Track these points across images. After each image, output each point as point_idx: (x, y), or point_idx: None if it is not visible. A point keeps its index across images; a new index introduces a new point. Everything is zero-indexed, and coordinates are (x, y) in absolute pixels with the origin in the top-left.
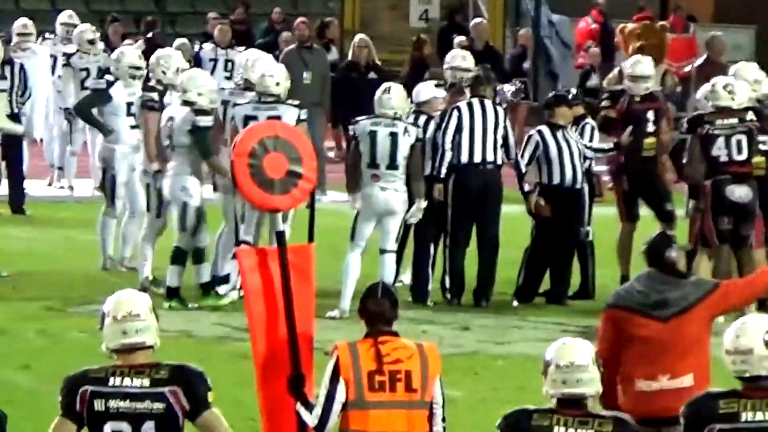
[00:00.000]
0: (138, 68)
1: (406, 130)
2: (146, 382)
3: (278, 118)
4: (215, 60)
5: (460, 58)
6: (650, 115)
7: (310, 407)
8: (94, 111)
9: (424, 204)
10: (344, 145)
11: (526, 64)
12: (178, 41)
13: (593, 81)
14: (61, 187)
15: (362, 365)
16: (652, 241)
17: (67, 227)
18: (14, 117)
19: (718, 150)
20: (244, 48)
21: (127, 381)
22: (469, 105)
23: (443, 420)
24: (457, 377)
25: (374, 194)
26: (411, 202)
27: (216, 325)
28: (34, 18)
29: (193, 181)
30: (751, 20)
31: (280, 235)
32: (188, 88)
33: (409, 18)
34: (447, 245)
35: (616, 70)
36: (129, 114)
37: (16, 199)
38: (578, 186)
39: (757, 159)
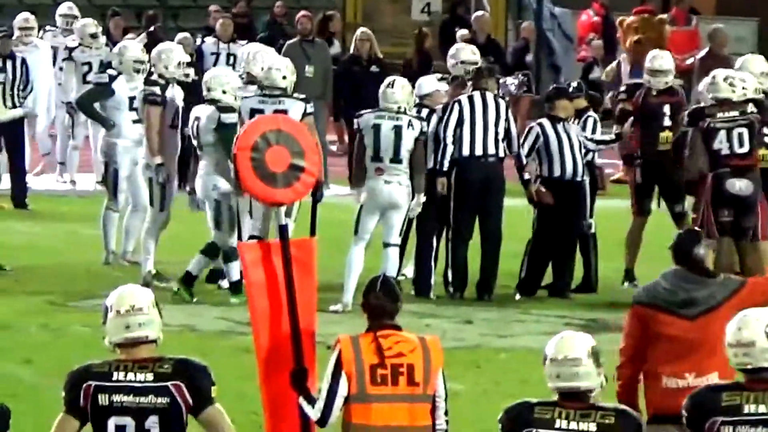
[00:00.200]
0: (141, 62)
1: (410, 124)
2: (150, 376)
3: (284, 111)
4: (217, 54)
5: (469, 52)
6: (666, 109)
7: (312, 401)
8: (97, 105)
9: (423, 198)
10: (346, 138)
11: (529, 57)
12: (180, 35)
13: (596, 74)
14: (64, 182)
15: (364, 359)
16: (680, 238)
17: (69, 221)
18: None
19: (720, 143)
20: (246, 42)
21: (130, 375)
22: (470, 98)
23: (446, 413)
24: (460, 370)
25: (378, 188)
26: (412, 196)
27: (219, 319)
28: (36, 12)
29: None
30: (753, 12)
31: (282, 229)
32: (212, 86)
33: (411, 11)
34: (449, 239)
35: (614, 63)
36: (131, 108)
37: (19, 193)
38: (579, 178)
39: (763, 151)
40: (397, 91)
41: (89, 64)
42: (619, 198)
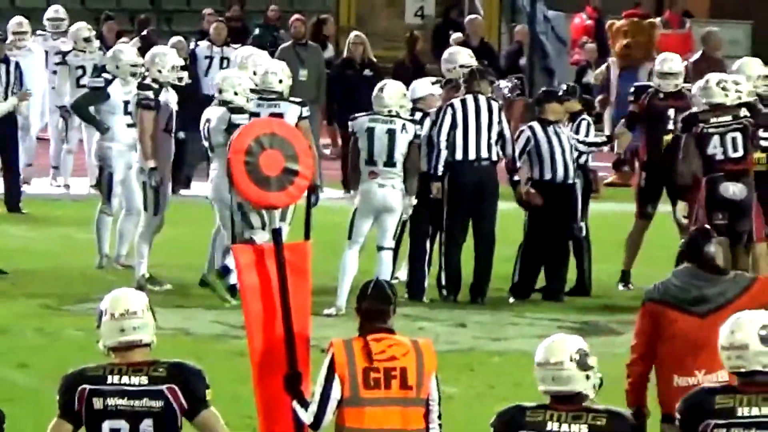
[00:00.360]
0: (137, 66)
1: (404, 127)
2: (144, 379)
3: (280, 115)
4: (210, 57)
5: (466, 56)
6: (671, 112)
7: (305, 404)
8: (91, 109)
9: (415, 200)
10: (339, 142)
11: (522, 61)
12: (174, 39)
13: (589, 77)
14: (58, 186)
15: (357, 362)
16: (691, 236)
17: (63, 225)
18: (8, 114)
19: (714, 148)
20: (239, 45)
21: (125, 379)
22: (463, 102)
23: (439, 417)
24: (453, 374)
25: (372, 191)
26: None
27: (213, 322)
28: (30, 16)
29: None
30: (746, 15)
31: (276, 233)
32: (224, 87)
33: (404, 15)
34: (443, 242)
35: (603, 67)
36: (126, 112)
37: (13, 197)
38: (570, 181)
39: (758, 155)
40: (386, 95)
41: (83, 68)
42: (613, 201)
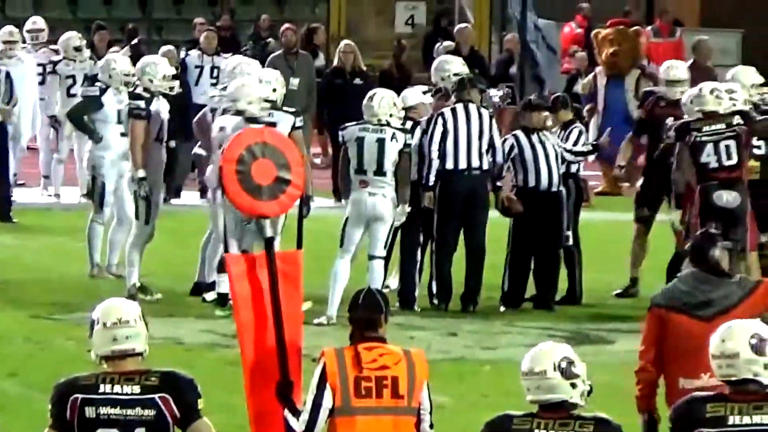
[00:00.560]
0: (130, 75)
1: (393, 136)
2: (136, 388)
3: (274, 124)
4: (201, 67)
5: (459, 64)
6: (670, 121)
7: (297, 413)
8: (85, 118)
9: (407, 209)
10: (330, 151)
11: (513, 69)
12: (164, 48)
13: (579, 86)
14: (48, 195)
15: (348, 371)
16: (696, 240)
17: (54, 235)
18: None
19: (707, 157)
20: (230, 54)
21: (117, 388)
22: (453, 111)
23: (431, 426)
24: (445, 383)
25: (362, 200)
26: (397, 206)
27: (204, 332)
28: (20, 26)
29: None
30: (737, 24)
31: (268, 242)
32: (238, 97)
33: (395, 23)
34: (434, 251)
35: (590, 76)
36: (119, 121)
37: (3, 206)
38: (554, 189)
39: (752, 163)
40: (375, 104)
41: (73, 77)
42: (604, 210)
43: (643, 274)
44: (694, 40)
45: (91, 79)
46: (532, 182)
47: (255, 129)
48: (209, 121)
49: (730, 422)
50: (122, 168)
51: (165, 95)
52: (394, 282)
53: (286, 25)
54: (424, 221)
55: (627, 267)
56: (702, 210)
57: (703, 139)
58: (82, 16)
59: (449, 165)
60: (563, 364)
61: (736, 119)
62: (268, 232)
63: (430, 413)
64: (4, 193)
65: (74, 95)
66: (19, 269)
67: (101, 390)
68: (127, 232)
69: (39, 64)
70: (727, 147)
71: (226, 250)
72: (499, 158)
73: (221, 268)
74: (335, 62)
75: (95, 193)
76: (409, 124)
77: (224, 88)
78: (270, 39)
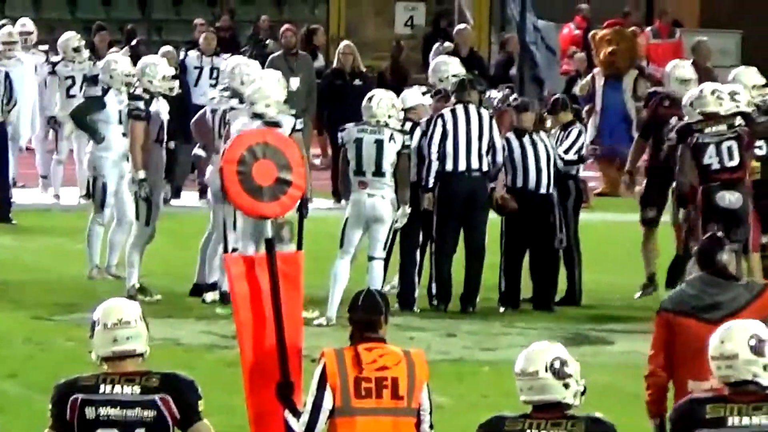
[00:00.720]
0: (131, 76)
1: (392, 137)
2: (137, 389)
3: (275, 125)
4: (200, 68)
5: (458, 65)
6: (673, 120)
7: (297, 414)
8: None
9: (408, 210)
10: (329, 152)
11: (513, 71)
12: (164, 49)
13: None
14: (48, 195)
15: (348, 372)
16: (703, 244)
17: (53, 236)
18: None
19: (710, 158)
20: (229, 55)
21: (117, 388)
22: (453, 112)
23: (430, 427)
24: (444, 383)
25: (362, 201)
26: (398, 208)
27: (203, 333)
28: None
29: None
30: (736, 25)
31: (269, 243)
32: (256, 100)
33: (394, 24)
34: (433, 252)
35: (588, 77)
36: (120, 122)
37: (2, 207)
38: (542, 190)
39: (753, 164)
40: (374, 105)
41: (72, 78)
42: (604, 211)
43: (641, 278)
44: (693, 40)
45: (90, 80)
46: (519, 183)
47: (257, 130)
48: (209, 122)
49: (730, 423)
50: (123, 169)
51: (165, 96)
52: (394, 284)
53: (286, 26)
54: (423, 222)
55: (627, 268)
56: (705, 211)
57: (705, 140)
58: (81, 17)
59: (449, 167)
60: (555, 365)
61: (738, 120)
62: (268, 233)
63: (430, 414)
64: (3, 194)
65: (73, 96)
66: (19, 270)
67: (101, 390)
68: (127, 233)
69: (50, 62)
70: (729, 148)
71: (225, 250)
72: (499, 159)
73: None
74: (335, 63)
75: (96, 193)
76: (408, 125)
77: (224, 89)
78: (269, 40)
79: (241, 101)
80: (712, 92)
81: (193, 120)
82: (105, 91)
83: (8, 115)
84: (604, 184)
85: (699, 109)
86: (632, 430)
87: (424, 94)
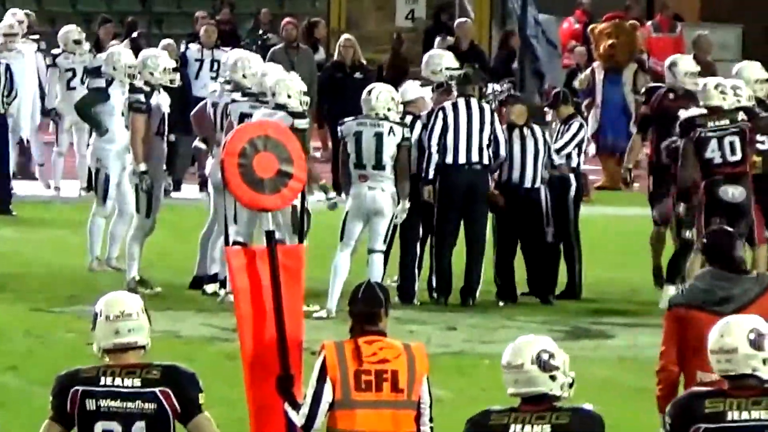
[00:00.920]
0: (133, 68)
1: (391, 130)
2: (137, 382)
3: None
4: (201, 60)
5: (451, 58)
6: (682, 112)
7: (297, 407)
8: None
9: (408, 204)
10: (330, 145)
11: (514, 64)
12: (164, 42)
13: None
14: (44, 185)
15: (348, 365)
16: (713, 238)
17: (53, 228)
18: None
19: (712, 152)
20: (229, 48)
21: (118, 381)
22: (454, 105)
23: (430, 420)
24: (444, 377)
25: (362, 194)
26: (398, 202)
27: (203, 325)
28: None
29: None
30: (737, 19)
31: (269, 236)
32: (278, 91)
33: (395, 18)
34: (433, 245)
35: (587, 71)
36: (123, 114)
37: (3, 199)
38: (528, 185)
39: (755, 158)
40: (374, 98)
41: (73, 70)
42: (604, 205)
43: (641, 272)
44: (694, 35)
45: (91, 72)
46: (505, 176)
47: (258, 122)
48: (209, 115)
49: (729, 417)
50: (126, 161)
51: (166, 88)
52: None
53: (287, 19)
54: (423, 215)
55: (627, 262)
56: (707, 205)
57: (708, 134)
58: (82, 9)
59: (449, 159)
60: (543, 357)
61: (740, 115)
62: (269, 226)
63: (430, 407)
64: (3, 186)
65: (74, 88)
66: (19, 262)
67: (102, 382)
68: (127, 226)
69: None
70: (732, 143)
71: (226, 242)
72: (502, 152)
73: None
74: (335, 56)
75: (99, 185)
76: (408, 119)
77: (226, 82)
78: (268, 33)
79: (243, 94)
80: (716, 86)
81: (192, 112)
82: (109, 83)
83: (8, 108)
84: (604, 177)
85: (702, 103)
86: (632, 424)
87: (422, 86)
